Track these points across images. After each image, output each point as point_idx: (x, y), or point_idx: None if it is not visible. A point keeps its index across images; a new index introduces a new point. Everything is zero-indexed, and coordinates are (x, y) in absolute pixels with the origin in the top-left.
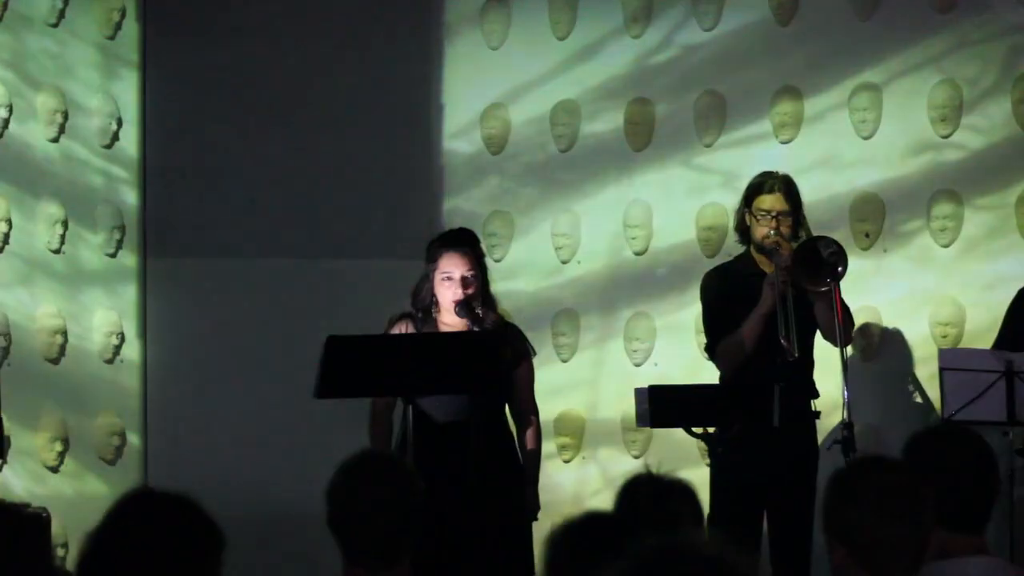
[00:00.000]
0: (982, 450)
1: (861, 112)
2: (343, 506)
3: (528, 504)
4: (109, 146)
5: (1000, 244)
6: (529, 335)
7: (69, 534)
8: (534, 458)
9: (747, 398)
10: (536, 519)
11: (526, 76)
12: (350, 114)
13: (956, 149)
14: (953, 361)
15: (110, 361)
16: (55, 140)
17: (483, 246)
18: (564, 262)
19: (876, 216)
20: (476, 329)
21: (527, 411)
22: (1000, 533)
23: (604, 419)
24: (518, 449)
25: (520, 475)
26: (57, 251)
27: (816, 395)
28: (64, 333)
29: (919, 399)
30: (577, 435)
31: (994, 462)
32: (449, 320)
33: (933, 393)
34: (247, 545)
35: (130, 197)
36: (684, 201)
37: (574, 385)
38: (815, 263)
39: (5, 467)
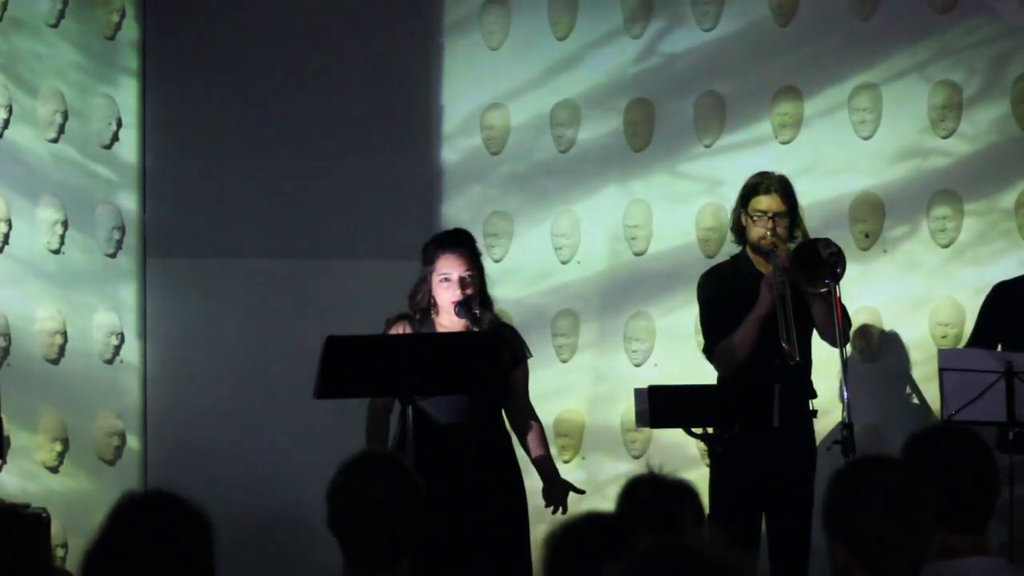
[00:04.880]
0: (982, 450)
1: (861, 112)
2: (343, 506)
3: (564, 485)
4: (108, 147)
5: (999, 244)
6: (528, 335)
7: (69, 534)
8: (548, 457)
9: (747, 398)
10: (584, 491)
11: (526, 76)
12: (349, 114)
13: (955, 150)
14: (952, 361)
15: (109, 362)
16: (54, 141)
17: (480, 246)
18: (564, 262)
19: (875, 216)
20: (475, 329)
21: (527, 414)
22: (1000, 533)
23: (604, 420)
24: (513, 450)
25: (518, 476)
26: (57, 252)
27: (814, 395)
28: (64, 334)
29: (918, 399)
30: (577, 436)
31: (994, 462)
32: (446, 321)
33: (932, 393)
34: (247, 545)
35: (130, 198)
36: (684, 201)
37: (574, 385)
38: (814, 264)
39: (5, 467)
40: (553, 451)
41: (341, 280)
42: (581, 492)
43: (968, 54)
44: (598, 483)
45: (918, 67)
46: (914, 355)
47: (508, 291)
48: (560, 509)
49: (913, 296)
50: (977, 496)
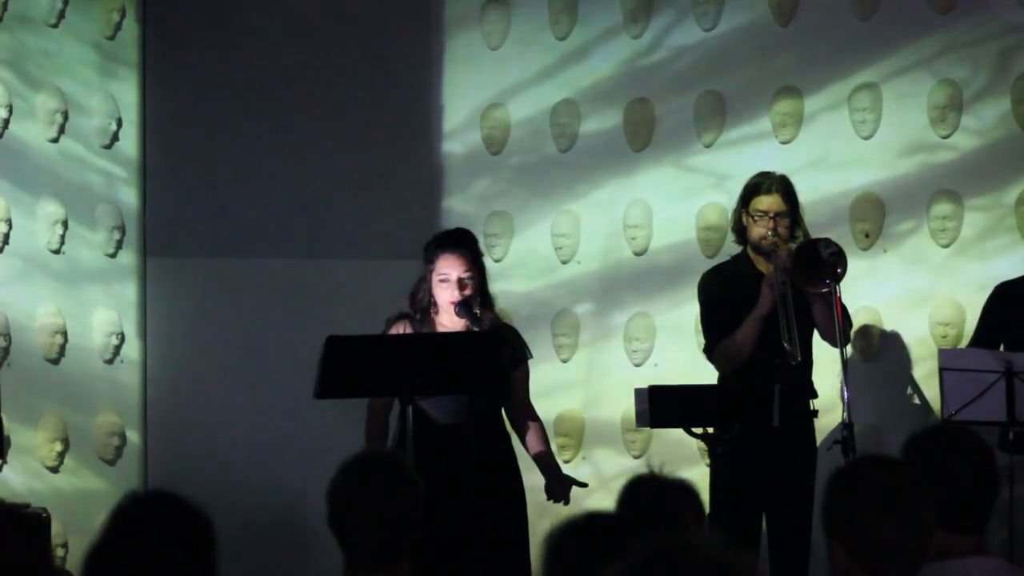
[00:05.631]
0: (982, 450)
1: (860, 112)
2: (343, 506)
3: (567, 480)
4: (109, 146)
5: (999, 244)
6: (528, 335)
7: (69, 534)
8: (550, 452)
9: (747, 398)
10: (587, 484)
11: (525, 76)
12: (349, 114)
13: (955, 149)
14: (953, 361)
15: (110, 361)
16: (55, 140)
17: (481, 246)
18: (564, 262)
19: (875, 216)
20: (475, 329)
21: (528, 415)
22: (1000, 533)
23: (604, 419)
24: (513, 450)
25: (518, 476)
26: (57, 251)
27: (815, 395)
28: (64, 333)
29: (919, 399)
30: (577, 435)
31: (994, 462)
32: (447, 321)
33: (932, 393)
34: (247, 545)
35: (130, 197)
36: (684, 201)
37: (574, 385)
38: (815, 264)
39: (5, 467)
40: (552, 449)
41: (341, 280)
42: (584, 485)
43: (969, 53)
44: (598, 482)
45: (917, 67)
46: (914, 355)
47: (507, 290)
48: (563, 502)
49: (913, 296)
50: (977, 496)
